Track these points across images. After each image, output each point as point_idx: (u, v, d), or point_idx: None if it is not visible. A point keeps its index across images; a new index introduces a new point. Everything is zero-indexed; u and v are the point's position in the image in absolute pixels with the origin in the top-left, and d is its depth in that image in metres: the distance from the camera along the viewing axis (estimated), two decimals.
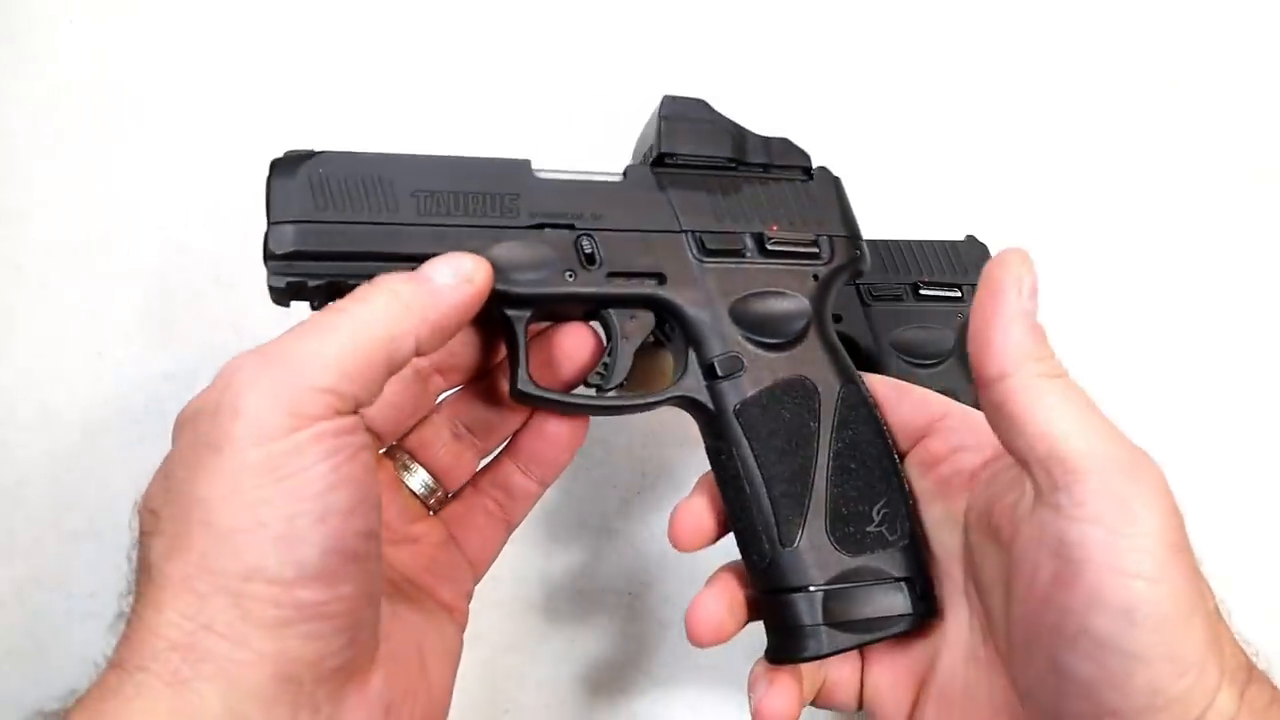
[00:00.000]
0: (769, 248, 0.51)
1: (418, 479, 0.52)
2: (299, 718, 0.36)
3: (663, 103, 0.51)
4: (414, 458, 0.52)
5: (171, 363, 0.63)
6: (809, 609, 0.45)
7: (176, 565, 0.36)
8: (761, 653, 0.48)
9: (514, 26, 0.74)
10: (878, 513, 0.47)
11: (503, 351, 0.52)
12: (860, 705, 0.49)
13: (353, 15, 0.72)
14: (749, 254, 0.50)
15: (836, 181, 0.54)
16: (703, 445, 0.51)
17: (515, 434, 0.53)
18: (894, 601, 0.46)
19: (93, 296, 0.64)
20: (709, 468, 0.51)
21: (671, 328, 0.50)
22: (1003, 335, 0.39)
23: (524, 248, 0.47)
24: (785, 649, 0.46)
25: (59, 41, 0.68)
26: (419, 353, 0.41)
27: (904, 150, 0.76)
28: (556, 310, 0.50)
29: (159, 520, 0.37)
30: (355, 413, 0.39)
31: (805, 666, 0.48)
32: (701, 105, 0.52)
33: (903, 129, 0.77)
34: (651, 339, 0.51)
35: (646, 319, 0.50)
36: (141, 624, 0.36)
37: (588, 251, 0.48)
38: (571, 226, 0.48)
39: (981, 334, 0.40)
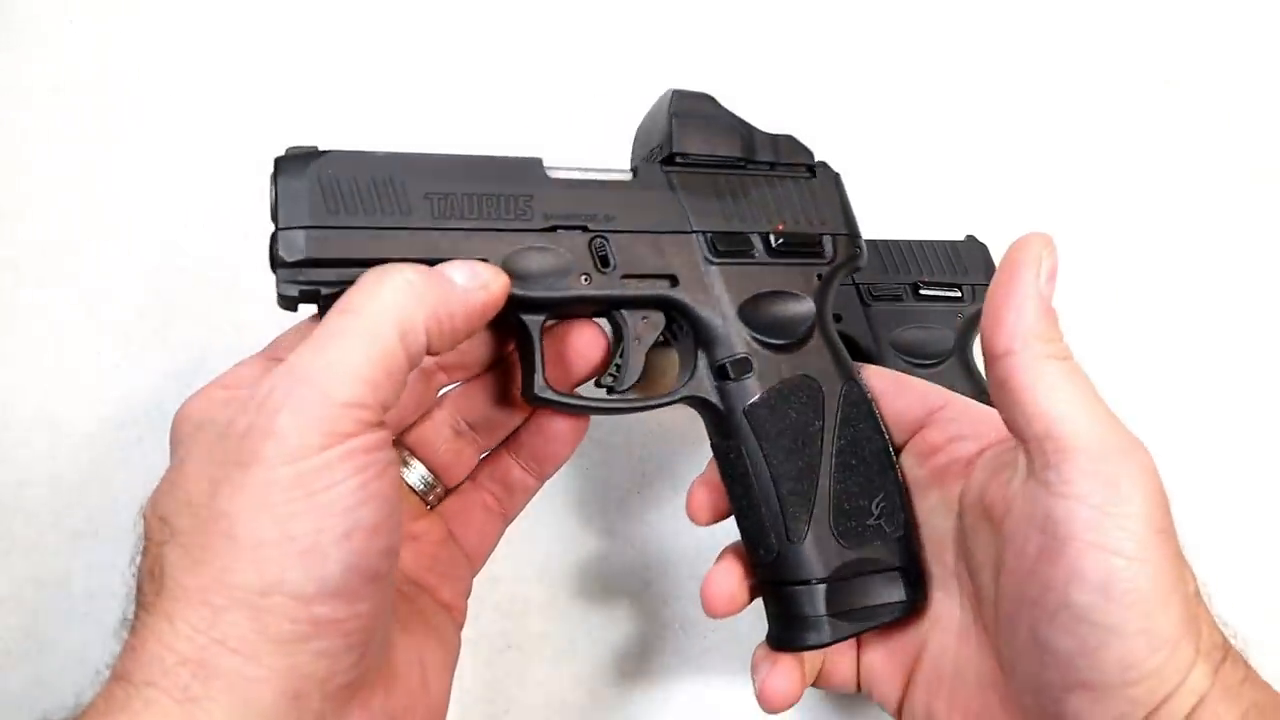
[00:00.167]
0: (776, 247, 0.51)
1: (415, 474, 0.52)
2: None
3: (672, 99, 0.51)
4: (413, 453, 0.52)
5: (171, 362, 0.63)
6: (813, 600, 0.47)
7: (194, 577, 0.35)
8: (755, 642, 0.49)
9: (512, 16, 0.74)
10: (877, 506, 0.48)
11: (507, 346, 0.52)
12: (859, 686, 0.51)
13: (349, 10, 0.72)
14: (757, 254, 0.50)
15: (837, 178, 0.54)
16: (702, 444, 0.51)
17: (516, 430, 0.53)
18: (891, 590, 0.48)
19: (93, 296, 0.64)
20: (708, 464, 0.51)
21: (681, 328, 0.50)
22: (1015, 313, 0.40)
23: (542, 256, 0.46)
24: (789, 638, 0.47)
25: (59, 41, 0.68)
26: (429, 351, 0.41)
27: (904, 150, 0.76)
28: (567, 310, 0.50)
29: (172, 530, 0.36)
30: (383, 424, 0.38)
31: None
32: (710, 101, 0.52)
33: (902, 129, 0.77)
34: (660, 339, 0.51)
35: (657, 319, 0.50)
36: (150, 635, 0.35)
37: (602, 254, 0.48)
38: (585, 228, 0.47)
39: (995, 310, 0.41)
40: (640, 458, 0.67)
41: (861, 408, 0.50)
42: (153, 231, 0.65)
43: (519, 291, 0.45)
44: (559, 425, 0.52)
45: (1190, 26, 0.84)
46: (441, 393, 0.53)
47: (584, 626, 0.64)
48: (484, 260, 0.44)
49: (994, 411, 0.43)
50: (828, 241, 0.52)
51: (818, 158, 0.54)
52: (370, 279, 0.40)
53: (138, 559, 0.38)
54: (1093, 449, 0.38)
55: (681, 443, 0.67)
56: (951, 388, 0.58)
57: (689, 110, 0.51)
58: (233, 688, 0.34)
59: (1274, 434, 0.74)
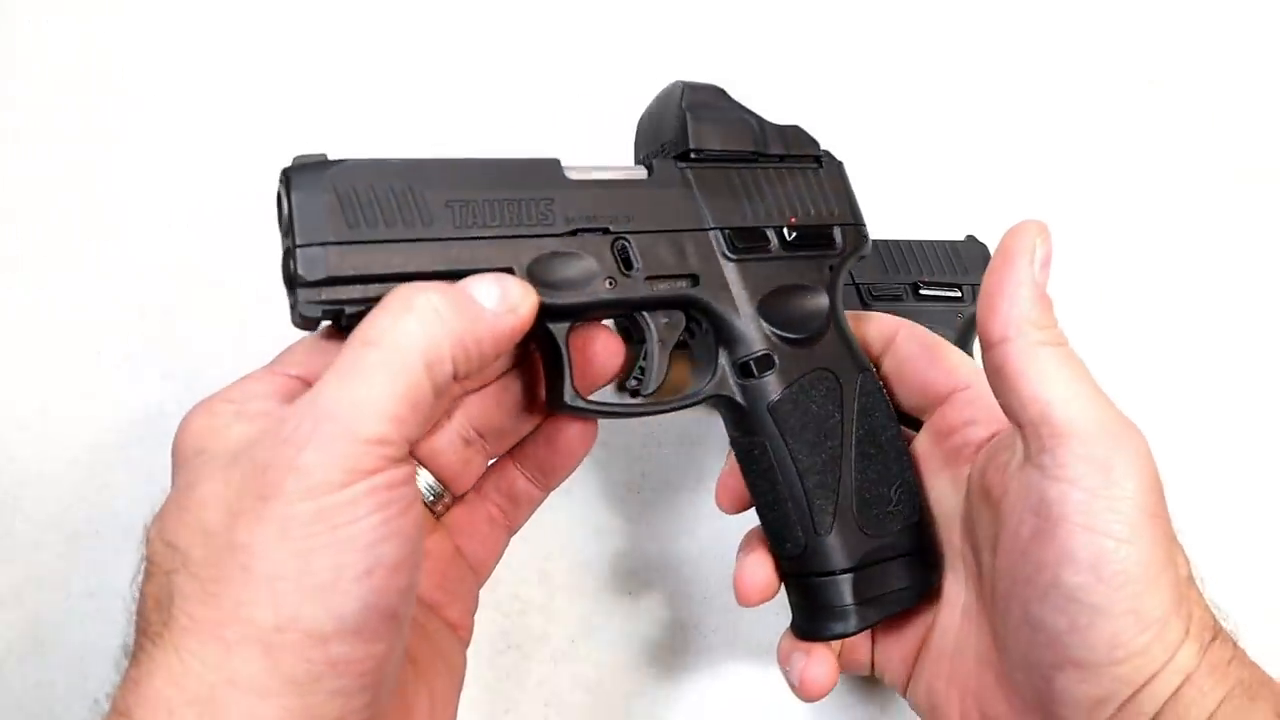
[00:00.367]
0: (790, 241, 0.50)
1: (423, 481, 0.50)
2: None
3: (683, 92, 0.50)
4: (421, 463, 0.50)
5: (171, 363, 0.63)
6: (840, 590, 0.48)
7: (206, 609, 0.34)
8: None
9: (506, 8, 0.74)
10: (895, 493, 0.49)
11: (522, 353, 0.51)
12: (873, 669, 0.52)
13: (347, 8, 0.72)
14: (773, 248, 0.50)
15: (841, 167, 0.54)
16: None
17: (521, 441, 0.52)
18: (911, 574, 0.49)
19: (93, 296, 0.64)
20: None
21: (700, 326, 0.50)
22: (1009, 300, 0.40)
23: (567, 262, 0.45)
24: (817, 628, 0.48)
25: (58, 40, 0.68)
26: (456, 378, 0.39)
27: (904, 150, 0.76)
28: (589, 315, 0.48)
29: (184, 558, 0.35)
30: (407, 459, 0.37)
31: None
32: (721, 93, 0.51)
33: (901, 129, 0.77)
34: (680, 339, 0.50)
35: (678, 320, 0.49)
36: (156, 670, 0.34)
37: (625, 256, 0.46)
38: (606, 230, 0.46)
39: (989, 298, 0.41)
40: (640, 458, 0.67)
41: (876, 397, 0.50)
42: (153, 231, 0.65)
43: (546, 300, 0.43)
44: (569, 436, 0.51)
45: (1175, 27, 0.84)
46: None
47: (584, 627, 0.64)
48: (509, 270, 0.43)
49: None
50: (837, 232, 0.52)
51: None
52: (395, 305, 0.38)
53: (139, 579, 0.37)
54: (1087, 433, 0.38)
55: (682, 444, 0.67)
56: None
57: (701, 103, 0.50)
58: None
59: (1265, 425, 0.75)
